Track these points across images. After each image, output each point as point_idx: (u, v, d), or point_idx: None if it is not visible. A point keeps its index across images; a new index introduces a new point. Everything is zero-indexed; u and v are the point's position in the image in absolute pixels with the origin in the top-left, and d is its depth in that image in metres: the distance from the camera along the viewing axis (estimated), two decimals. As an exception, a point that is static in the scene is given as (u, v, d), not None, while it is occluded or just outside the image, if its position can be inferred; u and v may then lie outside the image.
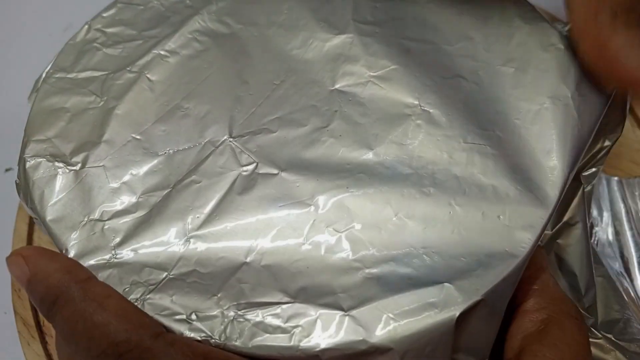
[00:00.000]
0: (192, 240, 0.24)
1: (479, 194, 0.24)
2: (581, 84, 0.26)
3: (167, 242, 0.24)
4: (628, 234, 0.33)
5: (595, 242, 0.32)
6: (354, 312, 0.22)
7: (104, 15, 0.31)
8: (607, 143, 0.27)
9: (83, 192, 0.25)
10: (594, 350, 0.27)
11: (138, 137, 0.27)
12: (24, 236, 0.35)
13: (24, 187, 0.26)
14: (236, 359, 0.21)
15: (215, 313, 0.22)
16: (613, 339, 0.28)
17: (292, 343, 0.21)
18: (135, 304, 0.23)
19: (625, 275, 0.31)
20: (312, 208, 0.24)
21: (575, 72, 0.27)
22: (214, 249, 0.24)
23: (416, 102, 0.26)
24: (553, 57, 0.27)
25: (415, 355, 0.21)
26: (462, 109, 0.26)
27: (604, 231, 0.33)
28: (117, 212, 0.25)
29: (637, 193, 0.34)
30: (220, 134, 0.26)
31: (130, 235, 0.24)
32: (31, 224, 0.35)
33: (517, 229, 0.23)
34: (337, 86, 0.27)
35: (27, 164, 0.26)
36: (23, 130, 0.28)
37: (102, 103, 0.28)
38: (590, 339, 0.26)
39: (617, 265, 0.32)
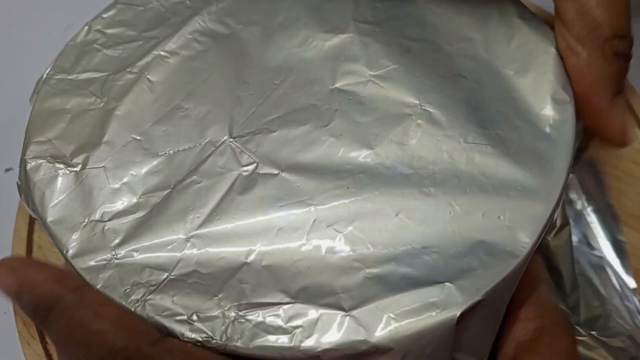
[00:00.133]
0: (192, 240, 0.24)
1: (479, 194, 0.24)
2: None
3: (167, 242, 0.24)
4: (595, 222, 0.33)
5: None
6: (354, 312, 0.22)
7: (104, 16, 0.31)
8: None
9: (83, 193, 0.25)
10: (579, 348, 0.28)
11: (138, 137, 0.27)
12: (24, 236, 0.35)
13: (25, 188, 0.26)
14: None
15: (216, 314, 0.22)
16: (596, 335, 0.28)
17: (293, 343, 0.21)
18: (137, 304, 0.23)
19: (604, 265, 0.32)
20: (313, 208, 0.24)
21: None
22: (214, 249, 0.24)
23: (416, 102, 0.26)
24: (553, 58, 0.27)
25: (416, 356, 0.21)
26: (463, 109, 0.26)
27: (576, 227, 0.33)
28: (118, 213, 0.25)
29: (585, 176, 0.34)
30: (220, 134, 0.26)
31: (131, 236, 0.24)
32: (31, 224, 0.35)
33: (518, 229, 0.23)
34: (337, 85, 0.27)
35: (28, 166, 0.26)
36: (23, 130, 0.28)
37: (102, 104, 0.28)
38: (581, 339, 0.27)
39: (593, 258, 0.32)
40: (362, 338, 0.21)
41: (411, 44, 0.28)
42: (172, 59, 0.29)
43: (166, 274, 0.23)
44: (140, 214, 0.25)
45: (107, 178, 0.25)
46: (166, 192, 0.25)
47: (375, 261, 0.23)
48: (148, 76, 0.28)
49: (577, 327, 0.28)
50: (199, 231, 0.24)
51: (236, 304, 0.22)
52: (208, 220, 0.24)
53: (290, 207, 0.24)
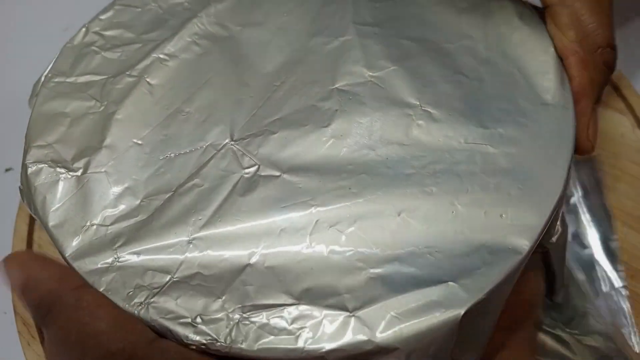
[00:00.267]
0: (194, 242, 0.24)
1: (481, 192, 0.24)
2: None
3: (170, 245, 0.24)
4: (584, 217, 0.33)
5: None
6: (359, 313, 0.22)
7: (102, 17, 0.31)
8: None
9: (85, 197, 0.25)
10: (556, 345, 0.29)
11: (139, 141, 0.26)
12: (24, 236, 0.35)
13: (27, 193, 0.26)
14: None
15: (220, 316, 0.22)
16: (571, 332, 0.29)
17: (297, 345, 0.21)
18: (140, 307, 0.23)
19: (594, 264, 0.32)
20: (315, 209, 0.24)
21: None
22: (217, 251, 0.24)
23: (417, 102, 0.26)
24: (553, 57, 0.27)
25: (421, 355, 0.21)
26: (463, 108, 0.26)
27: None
28: (119, 217, 0.25)
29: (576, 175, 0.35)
30: (221, 137, 0.26)
31: (133, 238, 0.24)
32: (31, 224, 0.35)
33: (520, 227, 0.23)
34: (337, 85, 0.27)
35: (29, 170, 0.26)
36: (23, 131, 0.27)
37: (102, 108, 0.28)
38: (555, 333, 0.28)
39: (583, 256, 0.32)
40: (367, 338, 0.21)
41: (411, 43, 0.28)
42: (171, 62, 0.29)
43: (169, 277, 0.23)
44: (142, 217, 0.25)
45: (109, 182, 0.25)
46: (168, 195, 0.25)
47: (378, 261, 0.23)
48: (148, 79, 0.28)
49: (561, 325, 0.29)
50: (201, 233, 0.24)
51: (240, 305, 0.22)
52: (210, 222, 0.24)
53: (293, 209, 0.24)
